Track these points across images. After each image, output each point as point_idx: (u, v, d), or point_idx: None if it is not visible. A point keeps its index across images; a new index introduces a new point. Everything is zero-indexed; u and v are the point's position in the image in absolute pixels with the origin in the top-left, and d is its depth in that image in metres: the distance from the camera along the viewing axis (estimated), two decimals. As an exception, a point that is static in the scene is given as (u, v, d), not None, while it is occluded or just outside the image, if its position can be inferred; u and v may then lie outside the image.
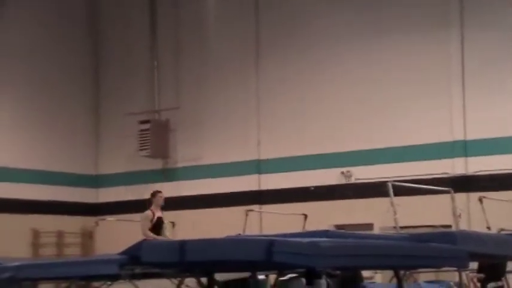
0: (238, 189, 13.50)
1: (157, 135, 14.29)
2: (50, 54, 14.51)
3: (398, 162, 12.22)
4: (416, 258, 5.51)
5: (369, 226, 12.00)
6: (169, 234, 10.92)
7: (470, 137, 11.94)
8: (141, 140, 14.35)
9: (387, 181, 9.42)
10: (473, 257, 6.28)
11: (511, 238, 7.12)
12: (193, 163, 14.23)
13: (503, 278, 9.13)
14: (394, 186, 9.25)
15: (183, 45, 14.61)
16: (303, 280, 5.62)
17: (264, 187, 13.50)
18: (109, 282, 6.51)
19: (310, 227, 10.29)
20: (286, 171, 13.23)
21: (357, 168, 12.64)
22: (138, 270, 5.67)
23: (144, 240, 6.04)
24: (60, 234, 14.17)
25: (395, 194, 9.30)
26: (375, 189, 11.03)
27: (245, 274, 6.98)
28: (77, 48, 15.13)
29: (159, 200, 10.02)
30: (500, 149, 11.69)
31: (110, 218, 13.45)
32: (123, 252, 5.72)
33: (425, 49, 12.34)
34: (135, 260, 5.52)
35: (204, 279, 6.19)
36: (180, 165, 14.38)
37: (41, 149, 14.20)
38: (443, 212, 10.76)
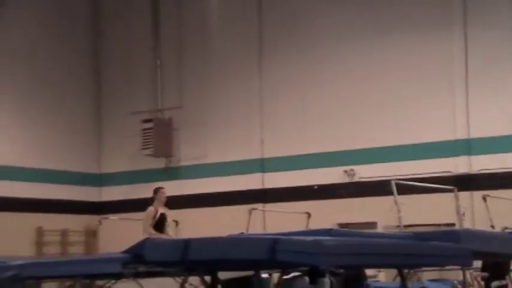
0: (242, 188, 13.50)
1: (160, 134, 14.29)
2: (52, 54, 14.52)
3: (402, 160, 12.21)
4: (420, 257, 5.50)
5: (373, 225, 11.99)
6: (173, 233, 10.93)
7: (474, 135, 11.91)
8: (144, 139, 14.36)
9: (391, 180, 9.41)
10: (477, 255, 6.28)
11: (515, 237, 7.10)
12: (197, 162, 14.23)
13: (507, 277, 9.12)
14: (397, 185, 9.24)
15: (186, 44, 14.61)
16: (307, 279, 5.61)
17: (267, 186, 13.50)
18: (113, 281, 6.52)
19: (314, 225, 10.29)
20: (289, 170, 13.23)
21: (360, 166, 12.62)
22: (141, 268, 5.67)
23: (148, 238, 6.04)
24: (63, 233, 14.20)
25: (399, 193, 9.29)
26: (379, 188, 11.02)
27: (245, 273, 6.97)
28: (79, 47, 15.14)
29: (162, 197, 10.04)
30: (504, 147, 11.66)
31: (113, 217, 13.47)
32: (127, 251, 5.73)
33: (429, 48, 12.32)
34: (138, 259, 5.52)
35: (207, 278, 6.19)
36: (183, 164, 14.38)
37: (44, 148, 14.22)
38: (447, 210, 10.75)
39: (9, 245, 11.59)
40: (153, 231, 9.71)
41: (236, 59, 14.04)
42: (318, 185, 12.89)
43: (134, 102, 14.75)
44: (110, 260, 5.80)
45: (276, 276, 8.14)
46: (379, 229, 11.69)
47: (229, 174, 13.73)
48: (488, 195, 10.29)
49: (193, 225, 11.73)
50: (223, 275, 6.75)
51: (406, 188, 9.55)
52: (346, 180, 12.72)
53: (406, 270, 6.71)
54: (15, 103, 14.01)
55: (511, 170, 11.52)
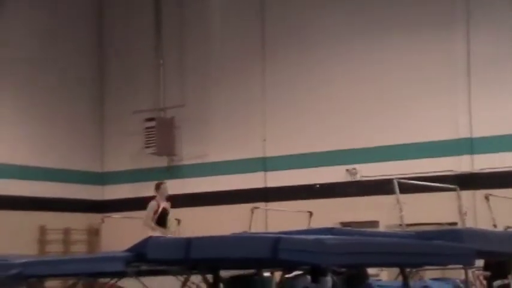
0: (244, 186, 13.51)
1: (162, 133, 14.31)
2: (55, 53, 14.54)
3: (404, 159, 12.20)
4: (422, 256, 5.50)
5: (375, 224, 11.99)
6: (175, 230, 10.95)
7: (476, 134, 11.91)
8: (146, 138, 14.38)
9: (393, 178, 9.42)
10: (479, 254, 6.27)
11: (517, 236, 7.09)
12: (199, 161, 14.24)
13: (509, 276, 9.10)
14: (400, 184, 9.25)
15: (188, 43, 14.62)
16: (309, 277, 5.62)
17: (269, 184, 13.51)
18: (116, 279, 6.53)
19: (316, 224, 10.29)
20: (291, 169, 13.23)
21: (362, 165, 12.63)
22: (144, 267, 5.68)
23: (150, 237, 6.05)
24: (66, 231, 14.23)
25: (401, 192, 9.30)
26: (381, 187, 11.02)
27: (245, 271, 6.98)
28: (82, 46, 15.16)
29: (164, 191, 10.08)
30: (507, 146, 11.65)
31: (116, 215, 13.50)
32: (129, 249, 5.73)
33: (431, 47, 12.31)
34: (141, 257, 5.53)
35: (209, 276, 6.20)
36: (185, 162, 14.40)
37: (46, 146, 14.25)
38: (449, 209, 10.75)
39: (12, 243, 11.61)
40: (154, 225, 9.73)
41: (238, 58, 14.05)
42: (320, 184, 12.90)
43: (136, 101, 14.77)
44: (112, 258, 5.81)
45: (278, 275, 8.15)
46: (381, 228, 11.69)
47: (231, 173, 13.75)
48: (490, 194, 10.29)
49: (196, 224, 11.75)
50: (224, 273, 6.76)
51: (408, 187, 9.55)
52: (349, 179, 12.72)
53: (408, 269, 6.71)
54: (18, 101, 14.04)
55: (514, 169, 11.51)
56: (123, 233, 11.38)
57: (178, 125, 14.51)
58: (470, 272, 8.35)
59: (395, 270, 8.46)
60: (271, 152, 13.56)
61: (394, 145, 12.43)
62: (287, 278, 7.74)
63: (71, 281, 6.86)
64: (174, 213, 10.99)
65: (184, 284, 6.89)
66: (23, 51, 14.05)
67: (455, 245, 5.70)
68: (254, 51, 13.82)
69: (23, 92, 14.09)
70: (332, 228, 5.96)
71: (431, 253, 5.53)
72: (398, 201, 9.17)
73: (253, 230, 10.60)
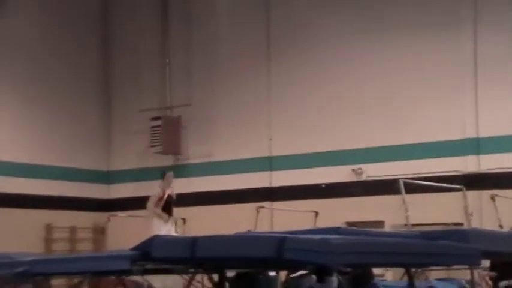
0: (250, 186, 13.51)
1: (168, 132, 14.33)
2: (61, 51, 14.57)
3: (410, 159, 12.18)
4: (427, 256, 5.50)
5: (380, 224, 11.97)
6: (180, 230, 10.97)
7: (483, 134, 11.87)
8: (152, 137, 14.40)
9: (399, 178, 9.40)
10: (485, 255, 6.26)
11: (523, 236, 7.07)
12: (205, 160, 14.26)
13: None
14: (405, 184, 9.23)
15: (194, 42, 14.63)
16: (314, 277, 5.62)
17: (275, 184, 13.50)
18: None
19: (321, 224, 10.29)
20: (297, 168, 13.23)
21: (368, 165, 12.61)
22: (149, 266, 5.70)
23: (156, 236, 6.07)
24: (72, 230, 14.27)
25: (407, 192, 9.28)
26: (387, 187, 11.00)
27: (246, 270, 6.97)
28: (89, 44, 15.19)
29: (169, 179, 10.13)
30: (513, 146, 11.61)
31: (122, 214, 13.52)
32: (135, 248, 5.75)
33: (438, 47, 12.28)
34: (146, 256, 5.54)
35: (215, 276, 6.21)
36: (191, 161, 14.41)
37: (53, 145, 14.29)
38: (455, 210, 10.73)
39: (19, 242, 11.66)
40: (159, 212, 9.74)
41: (245, 57, 14.05)
42: (325, 184, 12.88)
43: (143, 100, 14.79)
44: (118, 257, 5.83)
45: (283, 274, 8.15)
46: (387, 228, 11.67)
47: (237, 172, 13.75)
48: (496, 195, 10.27)
49: (201, 223, 11.75)
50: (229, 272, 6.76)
51: (414, 187, 9.53)
52: (354, 178, 12.70)
53: (413, 269, 6.71)
54: (24, 100, 14.07)
55: (520, 169, 11.47)
56: (128, 231, 11.39)
57: (184, 124, 14.53)
58: (476, 272, 8.32)
59: (401, 270, 8.45)
60: (277, 151, 13.56)
61: (400, 145, 12.41)
62: (292, 277, 7.74)
63: (76, 279, 6.88)
64: (179, 213, 11.01)
65: (189, 282, 6.90)
66: (29, 50, 14.08)
67: (461, 245, 5.69)
68: (260, 51, 13.82)
69: (29, 91, 14.13)
70: (338, 228, 5.96)
71: (437, 253, 5.52)
72: (404, 201, 9.15)
73: (258, 230, 10.61)
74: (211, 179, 14.02)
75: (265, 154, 13.64)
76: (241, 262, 5.78)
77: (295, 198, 12.82)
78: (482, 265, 8.18)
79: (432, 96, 12.28)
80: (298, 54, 13.53)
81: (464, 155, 11.92)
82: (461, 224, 10.68)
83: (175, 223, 10.58)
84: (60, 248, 13.80)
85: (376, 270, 8.71)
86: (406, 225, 9.32)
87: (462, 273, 8.90)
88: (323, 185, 12.90)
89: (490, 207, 10.49)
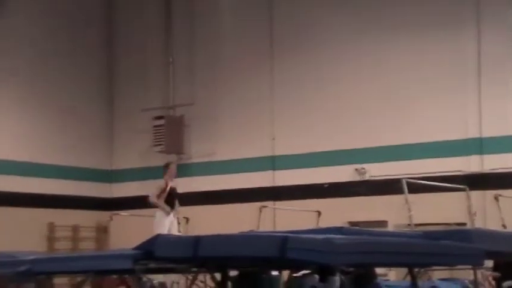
0: (252, 185, 13.50)
1: (171, 131, 14.33)
2: (65, 50, 14.58)
3: (413, 159, 12.16)
4: (430, 256, 5.49)
5: (383, 223, 11.95)
6: (183, 229, 10.96)
7: (486, 134, 11.84)
8: (155, 136, 14.40)
9: (402, 178, 9.38)
10: (488, 255, 6.24)
11: (527, 237, 7.05)
12: (208, 159, 14.25)
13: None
14: (408, 184, 9.21)
15: (197, 42, 14.63)
16: (317, 277, 5.61)
17: (278, 183, 13.49)
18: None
19: (324, 223, 10.27)
20: (300, 168, 13.21)
21: (371, 165, 12.59)
22: (152, 265, 5.69)
23: (158, 235, 6.06)
24: (75, 229, 14.28)
25: (410, 192, 9.26)
26: (390, 186, 10.98)
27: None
28: (92, 43, 15.20)
29: (172, 171, 10.12)
30: (517, 146, 11.58)
31: (124, 213, 13.53)
32: (138, 247, 5.75)
33: (441, 47, 12.25)
34: (149, 255, 5.54)
35: (218, 275, 6.20)
36: (194, 161, 14.41)
37: (56, 144, 14.30)
38: (459, 210, 10.71)
39: (21, 240, 11.68)
40: (163, 204, 9.74)
41: (248, 56, 14.05)
42: (328, 183, 12.87)
43: (146, 99, 14.79)
44: (121, 256, 5.83)
45: (286, 274, 8.14)
46: (390, 228, 11.65)
47: (240, 172, 13.74)
48: (500, 195, 10.24)
49: (204, 222, 11.77)
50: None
51: (417, 186, 9.51)
52: (357, 178, 12.69)
53: (416, 269, 6.69)
54: (26, 99, 14.08)
55: (524, 169, 11.44)
56: (131, 230, 11.40)
57: (187, 123, 14.52)
58: (479, 272, 8.30)
59: (404, 270, 8.44)
60: (280, 150, 13.55)
61: (403, 145, 12.39)
62: (295, 277, 7.73)
63: (79, 278, 6.88)
64: (181, 212, 11.00)
65: (192, 282, 6.90)
66: (32, 48, 14.09)
67: (464, 245, 5.68)
68: (263, 49, 13.81)
69: (32, 89, 14.14)
70: (341, 228, 5.95)
71: (440, 253, 5.51)
72: (407, 201, 9.13)
73: (261, 229, 10.61)
74: (214, 178, 14.02)
75: (268, 153, 13.63)
76: (244, 261, 5.77)
77: (298, 197, 12.81)
78: (485, 265, 8.15)
79: (435, 96, 12.25)
80: (302, 53, 13.51)
81: (467, 155, 11.90)
82: (464, 224, 10.65)
83: (178, 219, 10.56)
84: (62, 247, 13.81)
85: (379, 270, 8.70)
86: (409, 225, 9.30)
87: (465, 273, 8.89)
88: (326, 185, 12.88)
89: (493, 207, 10.46)
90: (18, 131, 13.84)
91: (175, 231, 9.91)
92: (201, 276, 9.24)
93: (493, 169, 11.61)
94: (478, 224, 10.35)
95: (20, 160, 13.70)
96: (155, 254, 5.45)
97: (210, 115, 14.31)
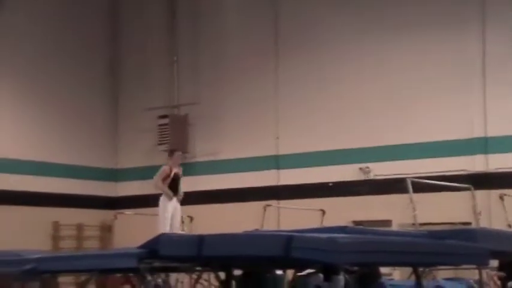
0: (257, 184, 13.50)
1: (176, 130, 14.34)
2: (69, 49, 14.59)
3: (418, 158, 12.13)
4: (435, 256, 5.48)
5: (388, 223, 11.94)
6: (187, 228, 10.95)
7: (491, 133, 11.81)
8: (160, 135, 14.42)
9: (406, 177, 9.37)
10: (493, 254, 6.23)
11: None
12: (212, 158, 14.26)
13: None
14: (413, 183, 9.20)
15: (202, 41, 14.63)
16: (321, 276, 5.60)
17: (282, 182, 13.49)
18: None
19: (328, 223, 10.26)
20: (304, 167, 13.20)
21: (375, 164, 12.57)
22: (156, 264, 5.70)
23: (163, 234, 6.07)
24: (79, 227, 14.31)
25: (415, 191, 9.24)
26: (394, 186, 10.97)
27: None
28: (97, 42, 15.22)
29: (177, 159, 10.12)
30: (522, 146, 11.55)
31: (129, 212, 13.54)
32: (142, 246, 5.76)
33: (446, 46, 12.22)
34: (153, 254, 5.55)
35: (222, 274, 6.20)
36: (198, 160, 14.41)
37: (60, 143, 14.32)
38: (463, 209, 10.68)
39: (26, 239, 11.69)
40: (166, 189, 9.74)
41: (252, 55, 14.04)
42: (333, 182, 12.86)
43: (150, 98, 14.81)
44: (125, 255, 5.84)
45: (290, 273, 8.14)
46: (394, 227, 11.63)
47: (244, 171, 13.74)
48: (505, 194, 10.21)
49: (208, 221, 11.76)
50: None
51: (421, 186, 9.49)
52: (362, 177, 12.67)
53: (421, 269, 6.68)
54: (31, 99, 14.09)
55: (529, 169, 11.41)
56: (135, 229, 11.40)
57: (191, 122, 14.53)
58: (484, 272, 8.28)
59: (408, 270, 8.42)
60: (284, 149, 13.54)
61: (408, 144, 12.36)
62: (299, 276, 7.72)
63: (84, 277, 6.89)
64: (186, 211, 10.99)
65: (196, 281, 6.91)
66: (36, 48, 14.09)
67: (469, 245, 5.66)
68: (267, 48, 13.80)
69: (37, 89, 14.15)
70: (345, 227, 5.95)
71: (445, 253, 5.50)
72: (411, 200, 9.12)
73: (265, 228, 10.60)
74: (218, 177, 14.02)
75: (272, 152, 13.63)
76: (248, 260, 5.77)
77: (302, 196, 12.80)
78: (490, 265, 8.13)
79: (440, 95, 12.22)
80: (307, 51, 13.49)
81: (472, 154, 11.87)
82: (469, 224, 10.63)
83: (182, 218, 10.56)
84: (67, 246, 13.84)
85: (383, 270, 8.69)
86: (413, 224, 9.29)
87: (470, 273, 8.86)
88: (330, 184, 12.87)
89: (498, 207, 10.43)
90: (22, 131, 13.86)
91: (178, 217, 9.90)
92: (205, 275, 9.25)
93: (498, 168, 11.58)
94: (483, 223, 10.33)
95: (24, 159, 13.72)
96: (160, 252, 5.46)
97: (214, 114, 14.31)
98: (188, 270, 6.63)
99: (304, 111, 13.42)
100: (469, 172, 11.70)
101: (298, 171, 13.26)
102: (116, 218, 13.75)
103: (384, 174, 12.38)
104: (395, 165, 12.20)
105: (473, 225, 10.20)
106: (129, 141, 15.25)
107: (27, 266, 5.90)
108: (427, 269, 8.05)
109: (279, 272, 7.43)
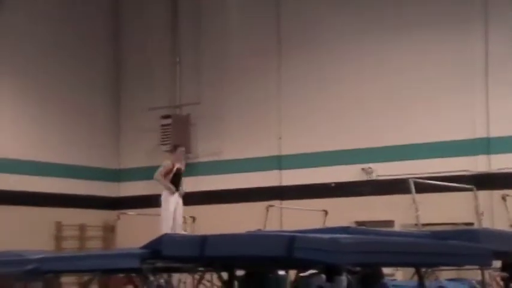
0: (259, 184, 13.50)
1: (178, 130, 14.35)
2: (72, 49, 14.61)
3: (420, 159, 12.13)
4: (437, 256, 5.47)
5: (390, 223, 11.93)
6: (190, 228, 10.97)
7: (493, 134, 11.80)
8: (162, 135, 14.43)
9: (409, 178, 9.36)
10: (496, 255, 6.22)
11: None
12: (214, 158, 14.26)
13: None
14: (415, 183, 9.19)
15: (204, 41, 14.64)
16: (324, 276, 5.60)
17: (284, 183, 13.49)
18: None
19: (331, 223, 10.26)
20: (306, 167, 13.20)
21: (378, 164, 12.57)
22: (159, 264, 5.71)
23: (165, 234, 6.08)
24: (82, 228, 14.32)
25: (417, 191, 9.24)
26: (396, 186, 10.97)
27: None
28: (99, 42, 15.23)
29: (180, 155, 10.12)
30: (524, 146, 11.54)
31: (131, 212, 13.56)
32: (145, 246, 5.76)
33: (449, 47, 12.21)
34: (156, 254, 5.56)
35: (224, 274, 6.21)
36: (200, 160, 14.42)
37: (63, 143, 14.34)
38: (466, 209, 10.68)
39: (29, 239, 11.72)
40: (166, 183, 9.74)
41: (254, 55, 14.04)
42: (335, 183, 12.86)
43: (153, 98, 14.82)
44: (128, 255, 5.85)
45: (292, 273, 8.14)
46: (397, 227, 11.63)
47: (246, 171, 13.75)
48: (507, 195, 10.20)
49: (210, 222, 11.77)
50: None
51: (424, 186, 9.49)
52: (364, 178, 12.67)
53: (423, 269, 6.68)
54: (33, 98, 14.11)
55: (532, 169, 11.39)
56: (138, 229, 11.42)
57: (194, 122, 14.54)
58: (486, 272, 8.27)
59: (411, 270, 8.42)
60: (287, 150, 13.54)
61: (410, 144, 12.36)
62: (302, 276, 7.73)
63: (86, 277, 6.91)
64: (188, 211, 11.00)
65: (199, 281, 6.91)
66: (37, 48, 14.09)
67: (471, 245, 5.66)
68: (270, 48, 13.80)
69: (39, 89, 14.17)
70: (347, 227, 5.94)
71: (447, 253, 5.49)
72: (414, 200, 9.12)
73: (268, 228, 10.61)
74: (220, 178, 14.03)
75: (275, 153, 13.63)
76: (250, 261, 5.77)
77: (305, 197, 12.80)
78: (493, 265, 8.12)
79: (442, 95, 12.22)
80: (310, 51, 13.49)
81: (474, 154, 11.86)
82: (471, 224, 10.62)
83: (185, 218, 10.57)
84: (70, 246, 13.86)
85: (386, 270, 8.68)
86: (416, 224, 9.29)
87: (473, 274, 8.86)
88: (333, 184, 12.87)
89: (500, 207, 10.43)
90: (24, 131, 13.88)
91: (180, 212, 9.92)
92: (207, 276, 9.26)
93: (501, 169, 11.57)
94: (486, 224, 10.32)
95: (26, 159, 13.74)
96: (162, 253, 5.46)
97: (216, 114, 14.31)
98: (191, 271, 6.64)
99: (307, 111, 13.42)
100: (472, 172, 11.69)
101: (300, 172, 13.26)
102: (118, 218, 13.76)
103: (386, 174, 12.37)
104: (397, 166, 12.19)
105: (476, 226, 10.19)
106: (131, 141, 15.26)
107: (30, 266, 5.91)
108: (429, 270, 8.05)
109: (281, 272, 7.44)
